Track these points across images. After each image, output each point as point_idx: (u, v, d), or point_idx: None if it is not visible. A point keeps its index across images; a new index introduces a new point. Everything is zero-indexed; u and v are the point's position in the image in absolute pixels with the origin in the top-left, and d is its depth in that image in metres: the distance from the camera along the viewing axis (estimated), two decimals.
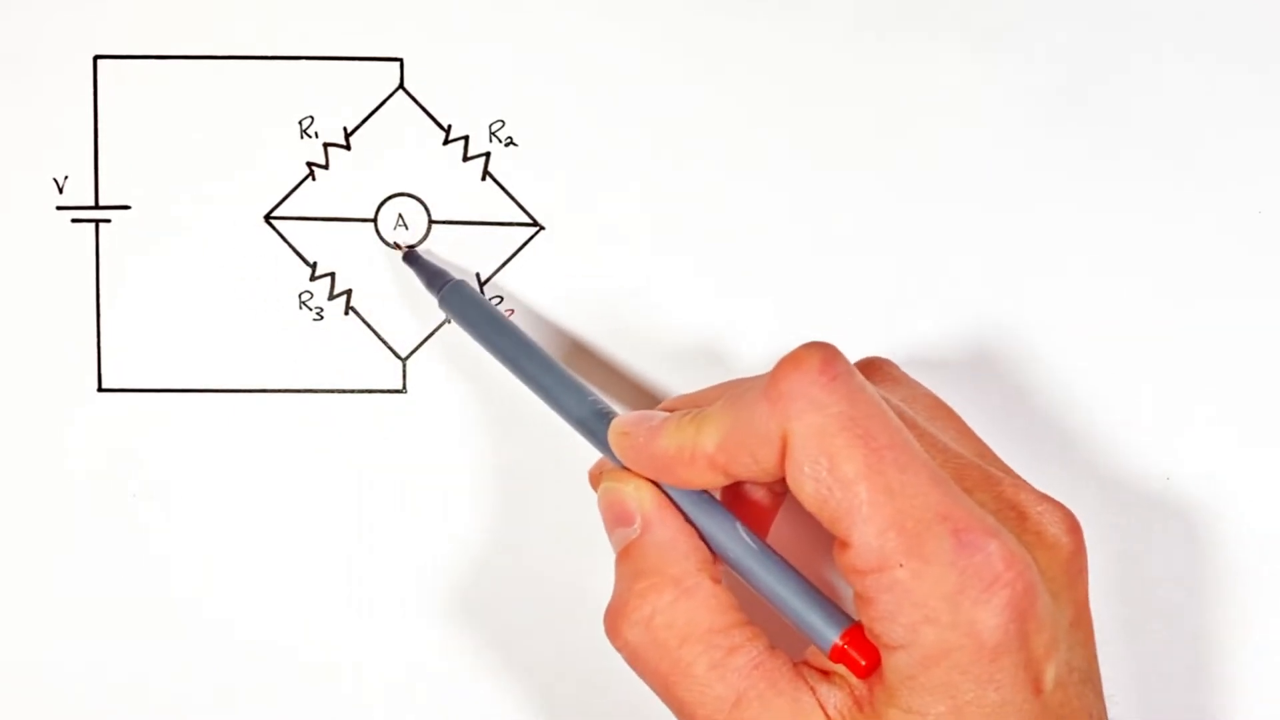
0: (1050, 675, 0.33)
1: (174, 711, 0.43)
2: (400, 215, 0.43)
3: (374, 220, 0.43)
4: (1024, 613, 0.32)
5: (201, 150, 0.42)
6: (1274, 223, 0.44)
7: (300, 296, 0.43)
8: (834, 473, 0.33)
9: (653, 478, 0.36)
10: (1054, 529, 0.35)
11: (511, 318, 0.41)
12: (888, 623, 0.33)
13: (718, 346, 0.43)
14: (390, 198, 0.43)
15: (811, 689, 0.34)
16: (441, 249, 0.43)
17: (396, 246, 0.42)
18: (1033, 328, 0.43)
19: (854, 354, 0.43)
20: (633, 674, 0.36)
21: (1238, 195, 0.43)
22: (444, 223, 0.43)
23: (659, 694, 0.36)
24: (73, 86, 0.42)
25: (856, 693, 0.34)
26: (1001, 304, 0.43)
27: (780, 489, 0.39)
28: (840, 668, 0.34)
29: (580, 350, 0.43)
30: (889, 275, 0.43)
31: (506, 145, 0.43)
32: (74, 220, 0.42)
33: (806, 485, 0.33)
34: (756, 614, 0.36)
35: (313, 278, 0.43)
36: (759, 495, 0.39)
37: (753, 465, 0.34)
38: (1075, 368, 0.43)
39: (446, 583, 0.43)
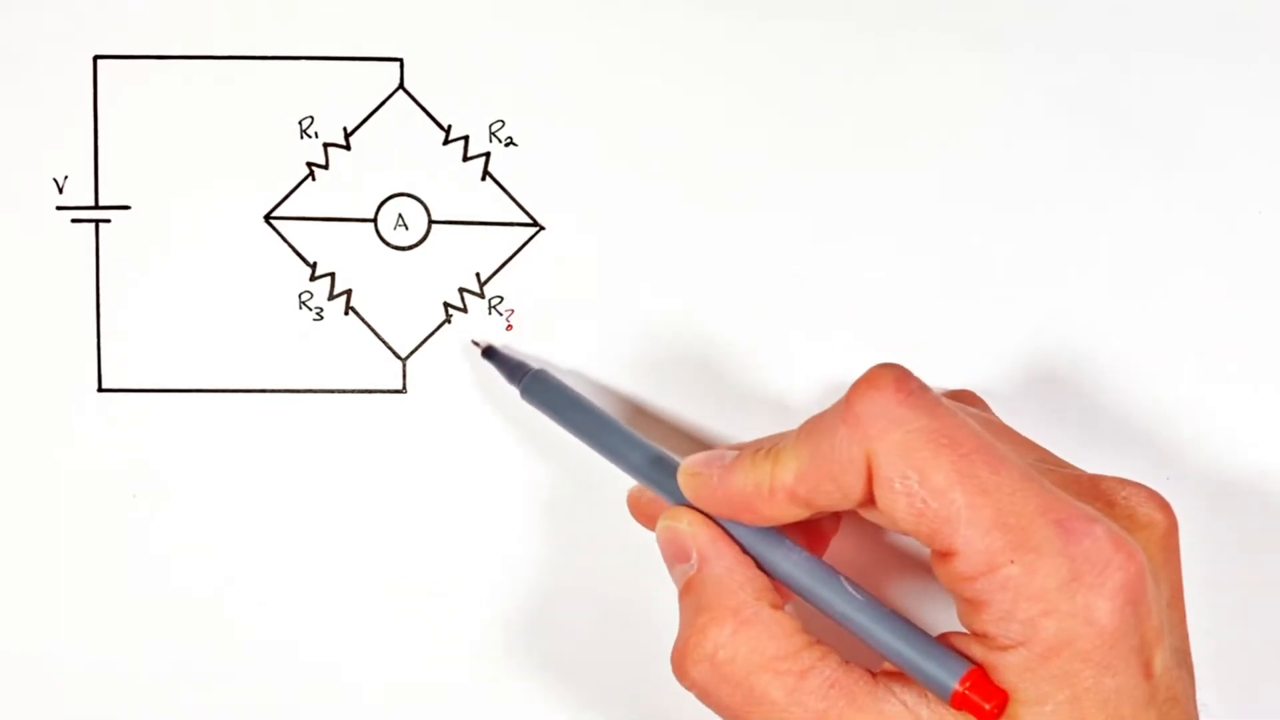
0: (1159, 660, 0.33)
1: (174, 711, 0.43)
2: (400, 215, 0.43)
3: (374, 220, 0.43)
4: (1137, 596, 0.32)
5: (201, 150, 0.42)
6: (1274, 223, 0.43)
7: (300, 296, 0.43)
8: (926, 484, 0.33)
9: (728, 517, 0.36)
10: (1144, 509, 0.35)
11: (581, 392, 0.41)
12: (1005, 622, 0.33)
13: (719, 345, 0.43)
14: (390, 198, 0.43)
15: (897, 698, 0.34)
16: (441, 249, 0.43)
17: (475, 344, 0.43)
18: (1030, 327, 0.43)
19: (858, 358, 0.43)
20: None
21: (1238, 195, 0.43)
22: (444, 223, 0.43)
23: None
24: (73, 86, 0.42)
25: None
26: (999, 303, 0.43)
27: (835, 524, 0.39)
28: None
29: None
30: (886, 274, 0.43)
31: (506, 145, 0.43)
32: (74, 220, 0.42)
33: (899, 502, 0.33)
34: (825, 633, 0.36)
35: (313, 278, 0.43)
36: (820, 526, 0.39)
37: (835, 493, 0.34)
38: (1068, 367, 0.43)
39: (445, 583, 0.43)
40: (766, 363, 0.43)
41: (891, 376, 0.34)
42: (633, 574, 0.43)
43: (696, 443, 0.43)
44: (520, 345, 0.43)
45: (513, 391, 0.42)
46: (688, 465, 0.37)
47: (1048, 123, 0.43)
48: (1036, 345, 0.43)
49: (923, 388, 0.34)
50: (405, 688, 0.43)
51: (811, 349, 0.43)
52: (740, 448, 0.37)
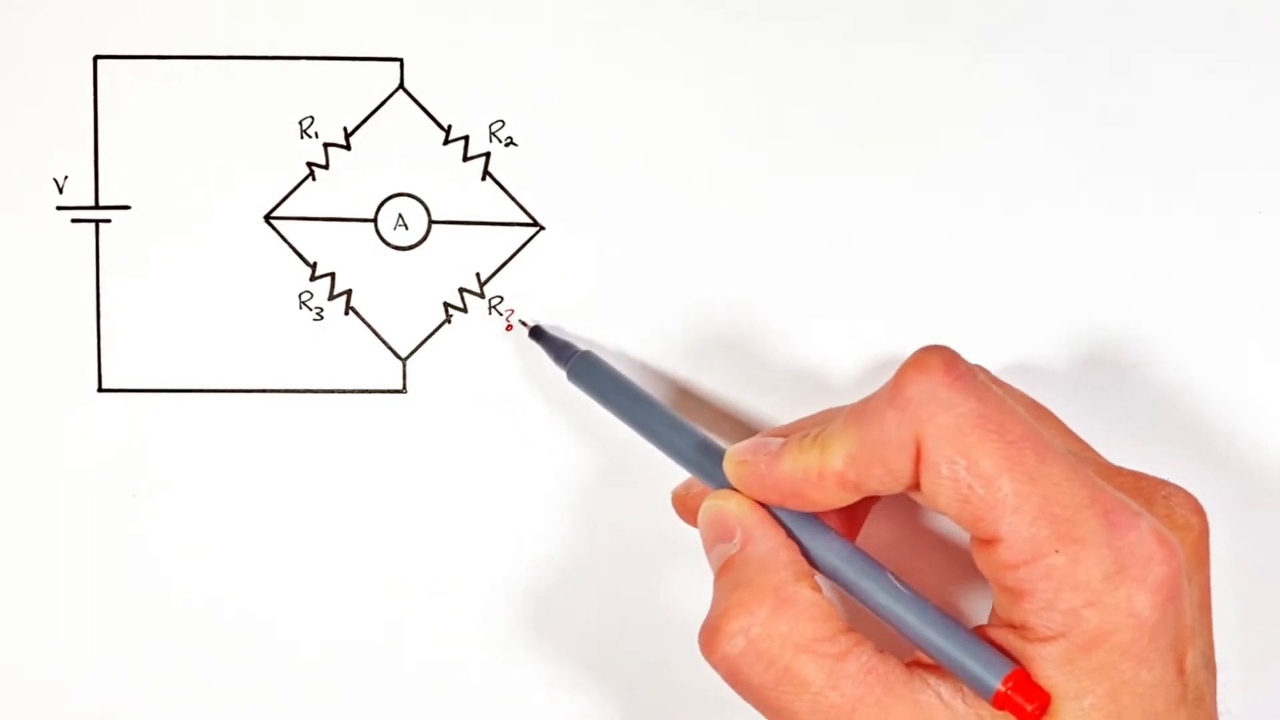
0: (1190, 658, 0.33)
1: (174, 712, 0.43)
2: (400, 215, 0.43)
3: (374, 220, 0.43)
4: (1175, 593, 0.33)
5: (201, 150, 0.42)
6: (1274, 223, 0.44)
7: (300, 296, 0.43)
8: (973, 470, 0.33)
9: (776, 503, 0.36)
10: (1182, 511, 0.35)
11: (630, 376, 0.41)
12: (1046, 612, 0.32)
13: (719, 345, 0.43)
14: (390, 198, 0.43)
15: (932, 689, 0.34)
16: (441, 249, 0.43)
17: (523, 324, 0.42)
18: (1028, 328, 0.43)
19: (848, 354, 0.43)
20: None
21: (1238, 195, 0.43)
22: (444, 223, 0.43)
23: (761, 707, 0.35)
24: (73, 86, 0.42)
25: None
26: (998, 305, 0.43)
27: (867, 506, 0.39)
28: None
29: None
30: (884, 274, 0.43)
31: (506, 145, 0.43)
32: (74, 220, 0.42)
33: (945, 487, 0.33)
34: (856, 620, 0.36)
35: (313, 278, 0.43)
36: (853, 509, 0.38)
37: (885, 477, 0.34)
38: (1067, 366, 0.43)
39: (445, 583, 0.43)
40: (766, 363, 0.43)
41: (941, 359, 0.33)
42: (632, 573, 0.43)
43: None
44: (520, 345, 0.43)
45: (512, 390, 0.42)
46: (734, 453, 0.37)
47: (1047, 122, 0.43)
48: (1032, 345, 0.43)
49: (971, 370, 0.34)
50: (404, 688, 0.43)
51: (808, 348, 0.43)
52: (781, 432, 0.37)
